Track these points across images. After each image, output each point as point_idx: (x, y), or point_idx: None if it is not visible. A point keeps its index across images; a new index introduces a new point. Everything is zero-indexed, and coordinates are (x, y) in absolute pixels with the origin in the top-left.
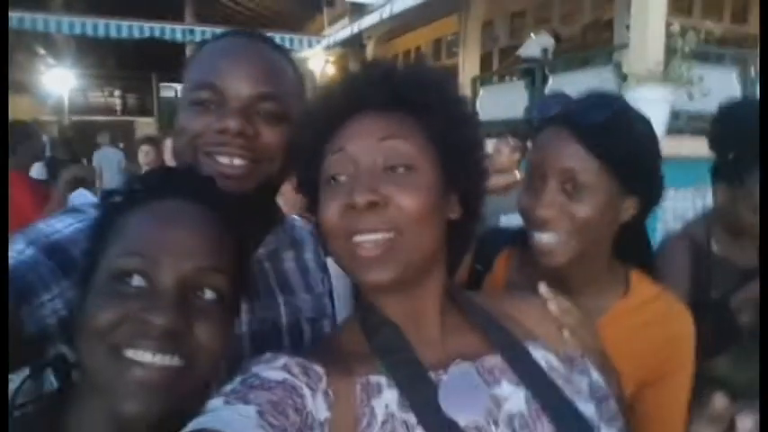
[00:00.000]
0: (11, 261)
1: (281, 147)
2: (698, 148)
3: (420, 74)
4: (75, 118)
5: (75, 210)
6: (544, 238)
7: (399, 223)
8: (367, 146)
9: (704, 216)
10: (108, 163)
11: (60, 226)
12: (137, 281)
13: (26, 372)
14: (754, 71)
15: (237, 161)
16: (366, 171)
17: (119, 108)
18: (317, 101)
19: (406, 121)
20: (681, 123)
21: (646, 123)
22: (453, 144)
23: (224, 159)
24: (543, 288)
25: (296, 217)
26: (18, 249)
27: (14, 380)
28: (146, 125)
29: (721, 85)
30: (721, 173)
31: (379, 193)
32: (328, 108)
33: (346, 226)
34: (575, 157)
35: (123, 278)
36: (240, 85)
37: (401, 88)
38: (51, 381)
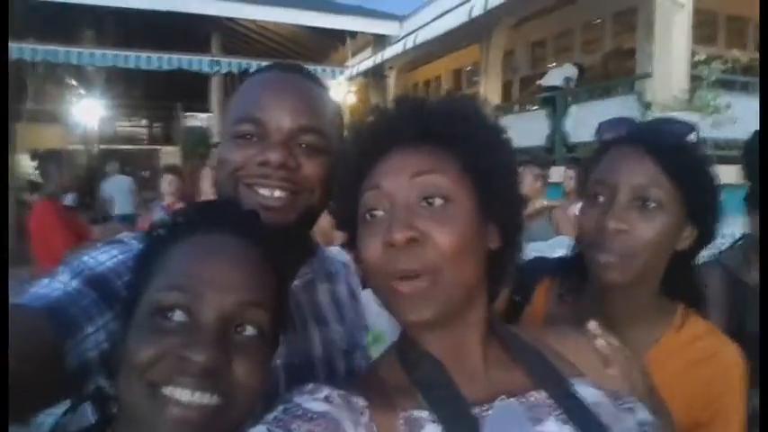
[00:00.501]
0: (57, 293)
1: (320, 179)
2: (724, 175)
3: (449, 106)
4: (102, 146)
5: (118, 241)
6: (609, 253)
7: (438, 261)
8: (402, 182)
9: (738, 245)
10: (118, 190)
11: (104, 257)
12: (178, 316)
13: (66, 405)
14: None
15: (278, 193)
16: (402, 207)
17: (145, 137)
18: (350, 139)
19: (438, 154)
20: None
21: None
22: (488, 173)
23: (265, 191)
24: (592, 325)
25: (330, 248)
26: (63, 281)
27: (54, 413)
28: (170, 154)
29: (748, 113)
30: (756, 200)
31: (417, 229)
32: (361, 145)
33: (386, 265)
34: (649, 175)
35: (164, 313)
36: (282, 118)
37: (431, 122)
38: (90, 415)
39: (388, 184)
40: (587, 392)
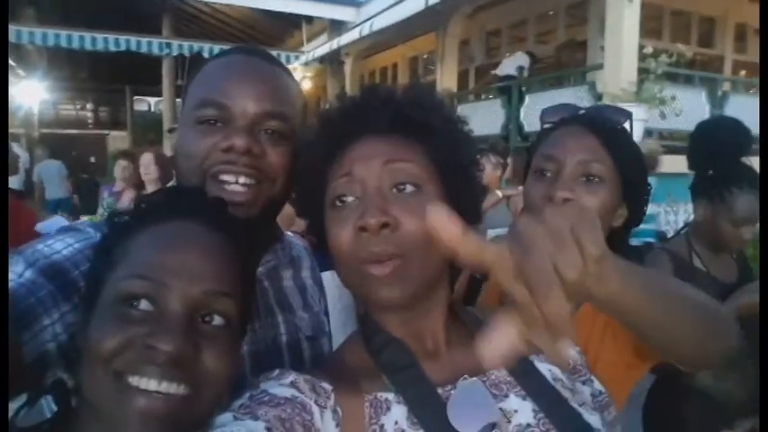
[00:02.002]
0: (11, 284)
1: (284, 167)
2: (670, 164)
3: (420, 96)
4: (45, 131)
5: (73, 229)
6: None
7: (410, 246)
8: (374, 169)
9: (684, 231)
10: (48, 175)
11: (59, 246)
12: (143, 305)
13: (23, 399)
14: (720, 92)
15: (243, 179)
16: (375, 193)
17: (91, 121)
18: (317, 125)
19: (409, 143)
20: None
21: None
22: (454, 164)
23: (229, 178)
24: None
25: (292, 234)
26: (17, 272)
27: (12, 407)
28: (119, 139)
29: (691, 105)
30: (701, 189)
31: (390, 215)
32: (329, 131)
33: (358, 250)
34: (593, 151)
35: (129, 302)
36: (246, 103)
37: (403, 111)
38: (49, 407)
39: (360, 170)
40: (546, 368)
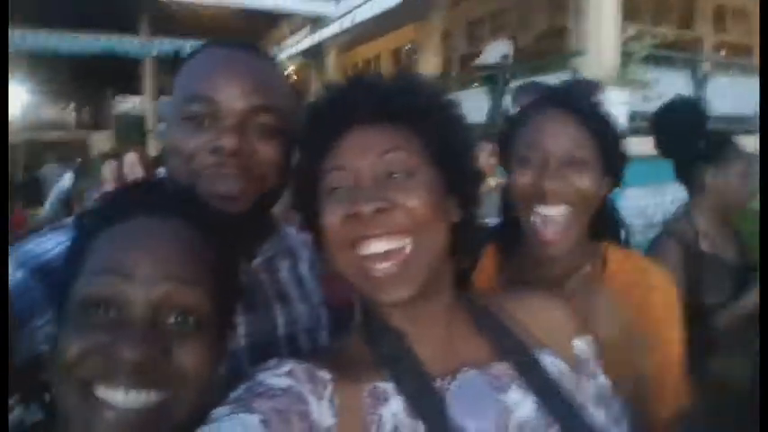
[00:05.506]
0: None
1: (276, 162)
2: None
3: (405, 82)
4: (26, 135)
5: (64, 227)
6: (552, 210)
7: (408, 226)
8: (368, 160)
9: (684, 213)
10: (53, 179)
11: (50, 245)
12: (105, 309)
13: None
14: (701, 73)
15: (233, 181)
16: (369, 181)
17: (72, 122)
18: (306, 118)
19: (399, 131)
20: (636, 124)
21: None
22: (448, 148)
23: (219, 180)
24: None
25: (290, 226)
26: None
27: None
28: (101, 140)
29: (673, 87)
30: (705, 158)
31: (385, 199)
32: (317, 124)
33: (351, 234)
34: (575, 135)
35: (90, 307)
36: (234, 98)
37: (388, 98)
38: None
39: (353, 163)
40: (550, 362)
